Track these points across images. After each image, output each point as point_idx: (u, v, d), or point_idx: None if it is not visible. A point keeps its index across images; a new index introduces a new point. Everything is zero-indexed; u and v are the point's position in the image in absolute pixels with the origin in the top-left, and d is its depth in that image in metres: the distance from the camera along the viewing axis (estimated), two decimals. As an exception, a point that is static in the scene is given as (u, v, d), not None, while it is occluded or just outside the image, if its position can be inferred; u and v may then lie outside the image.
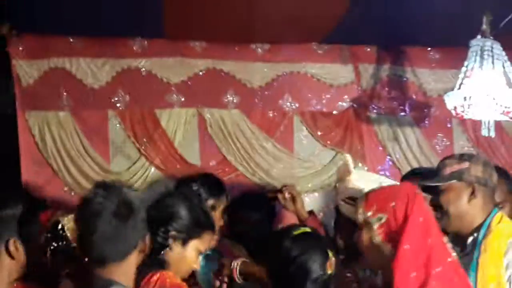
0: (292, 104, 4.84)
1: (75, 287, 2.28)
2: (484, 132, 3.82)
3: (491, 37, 3.71)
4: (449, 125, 5.01)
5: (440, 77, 4.94)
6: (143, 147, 4.60)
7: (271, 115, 4.82)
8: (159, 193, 2.43)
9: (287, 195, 3.04)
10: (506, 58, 3.72)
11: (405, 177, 3.50)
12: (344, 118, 4.89)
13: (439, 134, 4.99)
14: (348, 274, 2.91)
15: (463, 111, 3.68)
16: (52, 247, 2.36)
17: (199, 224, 2.32)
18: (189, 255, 2.30)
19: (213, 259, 3.04)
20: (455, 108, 3.72)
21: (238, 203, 3.89)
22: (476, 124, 4.48)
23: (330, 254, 2.17)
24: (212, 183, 3.22)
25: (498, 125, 4.50)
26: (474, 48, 3.72)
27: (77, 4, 3.81)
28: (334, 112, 4.91)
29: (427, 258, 2.07)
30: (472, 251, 2.55)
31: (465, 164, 2.64)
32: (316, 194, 4.83)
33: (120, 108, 4.61)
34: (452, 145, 5.00)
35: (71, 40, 4.52)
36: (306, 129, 4.86)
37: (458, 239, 2.63)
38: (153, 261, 2.19)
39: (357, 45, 4.88)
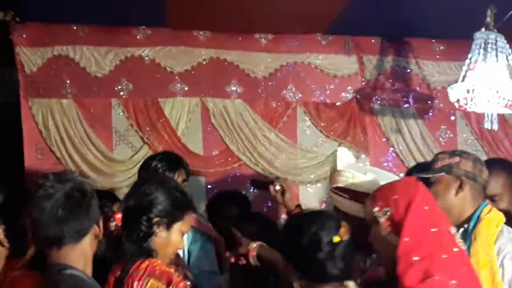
0: (296, 95, 4.84)
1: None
2: (487, 125, 3.81)
3: (495, 30, 3.69)
4: (452, 118, 5.00)
5: (444, 69, 4.93)
6: (146, 136, 4.62)
7: (274, 105, 4.83)
8: (134, 183, 2.45)
9: (277, 187, 3.08)
10: (510, 51, 3.70)
11: (410, 172, 3.51)
12: (347, 109, 4.89)
13: (442, 126, 4.99)
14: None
15: (466, 104, 3.67)
16: None
17: (179, 207, 2.34)
18: (174, 238, 2.33)
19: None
20: (458, 100, 3.70)
21: (217, 200, 4.03)
22: (480, 117, 4.47)
23: (343, 222, 2.16)
24: (170, 159, 3.32)
25: (502, 118, 4.50)
26: (478, 41, 3.70)
27: (81, -8, 3.82)
28: (338, 103, 4.90)
29: (432, 247, 2.09)
30: (463, 242, 2.57)
31: (456, 159, 2.69)
32: (319, 184, 4.84)
33: (124, 97, 4.61)
34: (455, 137, 5.00)
35: (75, 28, 4.53)
36: (310, 119, 4.86)
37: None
38: (140, 250, 2.21)
39: (361, 36, 4.87)
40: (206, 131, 4.75)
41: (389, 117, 4.90)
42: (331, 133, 4.85)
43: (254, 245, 2.54)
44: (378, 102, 4.90)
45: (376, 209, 2.23)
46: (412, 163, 4.62)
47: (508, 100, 3.55)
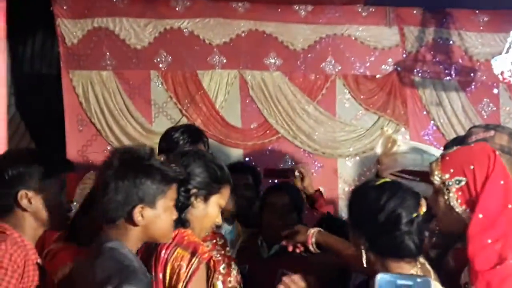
0: (335, 67, 4.79)
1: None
2: (531, 98, 3.73)
3: (543, -2, 3.60)
4: (495, 90, 4.90)
5: (488, 40, 4.83)
6: (185, 108, 4.63)
7: (313, 78, 4.79)
8: (173, 154, 2.45)
9: (297, 173, 3.29)
10: (557, 20, 3.61)
11: (446, 146, 3.44)
12: (387, 81, 4.83)
13: (485, 99, 4.90)
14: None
15: (510, 76, 3.60)
16: None
17: (217, 180, 2.32)
18: (211, 210, 2.31)
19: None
20: (502, 73, 3.64)
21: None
22: (525, 89, 4.38)
23: (422, 198, 1.97)
24: (191, 132, 3.33)
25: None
26: (525, 10, 3.62)
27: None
28: (378, 75, 4.85)
29: (507, 226, 1.95)
30: None
31: (491, 133, 2.60)
32: (357, 158, 4.80)
33: (163, 69, 4.63)
34: (498, 110, 4.91)
35: (114, 0, 4.54)
36: (349, 92, 4.81)
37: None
38: (175, 221, 2.21)
39: (403, 7, 4.79)
40: (245, 104, 4.74)
41: (430, 90, 4.83)
42: (371, 105, 4.80)
43: (312, 231, 2.49)
44: (419, 74, 4.83)
45: (446, 175, 2.08)
46: (453, 137, 4.54)
47: (556, 70, 3.47)
